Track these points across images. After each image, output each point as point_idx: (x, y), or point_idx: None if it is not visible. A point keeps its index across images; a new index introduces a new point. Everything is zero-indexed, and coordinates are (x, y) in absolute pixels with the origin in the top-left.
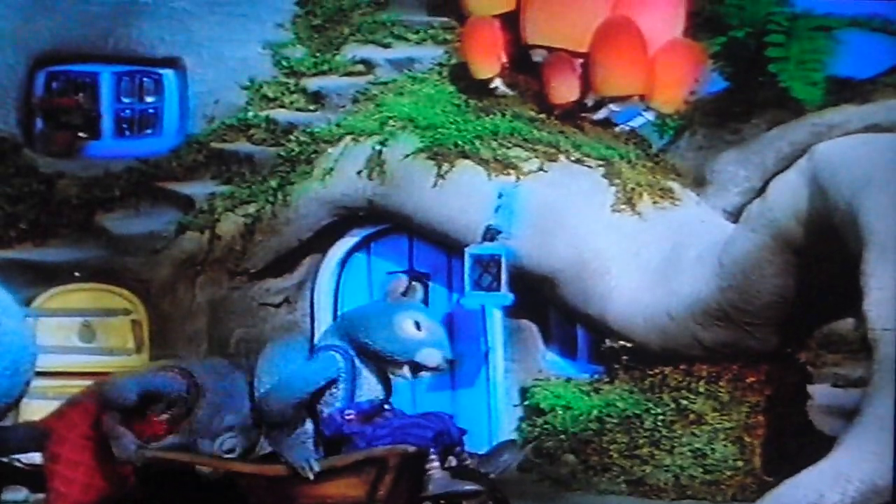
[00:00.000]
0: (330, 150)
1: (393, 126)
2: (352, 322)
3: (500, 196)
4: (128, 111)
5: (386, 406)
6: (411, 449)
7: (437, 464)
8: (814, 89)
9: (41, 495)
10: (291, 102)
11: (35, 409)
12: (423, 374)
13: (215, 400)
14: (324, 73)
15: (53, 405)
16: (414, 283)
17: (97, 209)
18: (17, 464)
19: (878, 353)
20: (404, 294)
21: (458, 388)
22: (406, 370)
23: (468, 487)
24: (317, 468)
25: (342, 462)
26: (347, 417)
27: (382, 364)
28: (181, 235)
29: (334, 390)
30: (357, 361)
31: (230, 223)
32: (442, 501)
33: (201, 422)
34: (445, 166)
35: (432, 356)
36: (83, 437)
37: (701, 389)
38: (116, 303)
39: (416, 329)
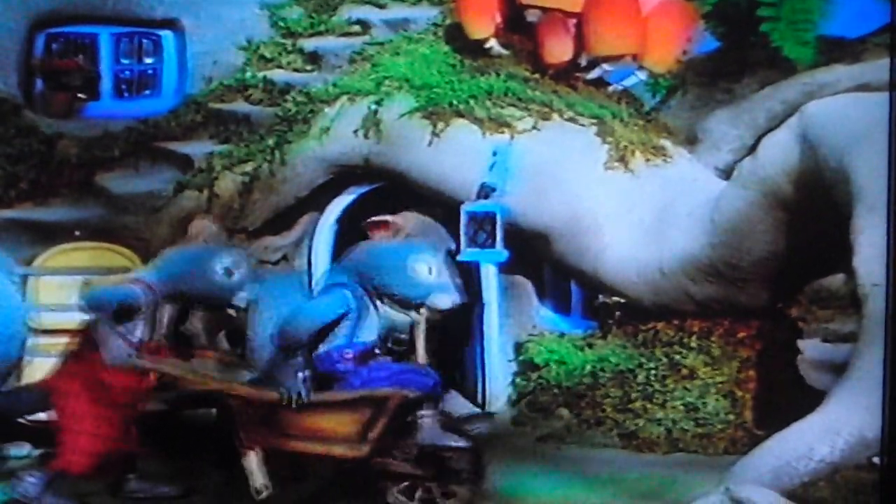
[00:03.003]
0: (326, 109)
1: (389, 86)
2: (363, 262)
3: (494, 154)
4: (127, 72)
5: (377, 350)
6: (413, 394)
7: (430, 412)
8: (805, 49)
9: (43, 450)
10: (288, 63)
11: (38, 367)
12: (434, 315)
13: (193, 265)
14: (320, 33)
15: (55, 362)
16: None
17: (97, 169)
18: (20, 420)
19: (867, 308)
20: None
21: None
22: (419, 312)
23: (457, 443)
24: (304, 399)
25: (340, 397)
26: (346, 356)
27: (394, 305)
28: (180, 194)
29: (336, 328)
30: (365, 302)
31: (228, 182)
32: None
33: (200, 285)
34: (440, 125)
35: (443, 300)
36: (84, 389)
37: (693, 344)
38: (116, 261)
39: (429, 273)
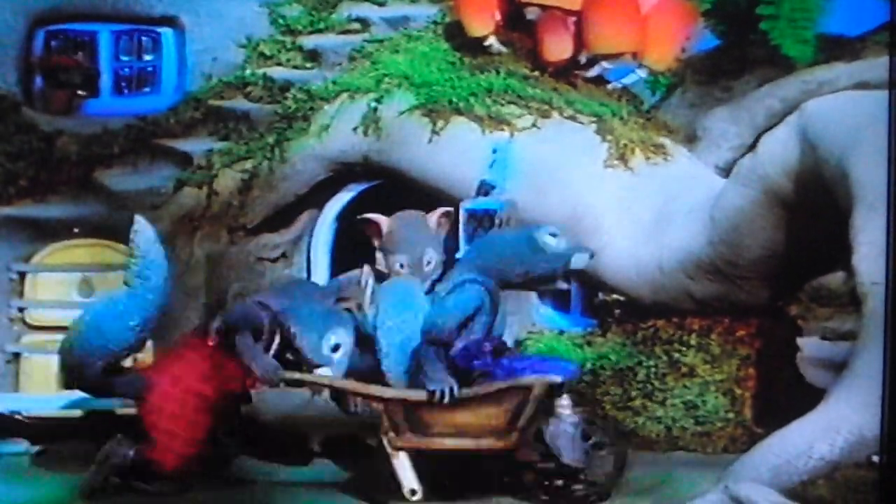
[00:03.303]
0: (326, 107)
1: (388, 83)
2: (491, 258)
3: (494, 152)
4: (126, 69)
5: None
6: (558, 379)
7: (568, 402)
8: (804, 47)
9: (39, 447)
10: (288, 60)
11: (34, 364)
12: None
13: (312, 323)
14: (320, 31)
15: (53, 359)
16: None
17: (96, 166)
18: (18, 417)
19: (866, 306)
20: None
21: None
22: (561, 282)
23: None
24: (455, 394)
25: (487, 390)
26: (484, 350)
27: (538, 285)
28: (179, 191)
29: (470, 324)
30: (496, 295)
31: (228, 179)
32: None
33: (306, 346)
34: (440, 123)
35: (583, 259)
36: (186, 392)
37: (692, 342)
38: (115, 258)
39: (557, 241)
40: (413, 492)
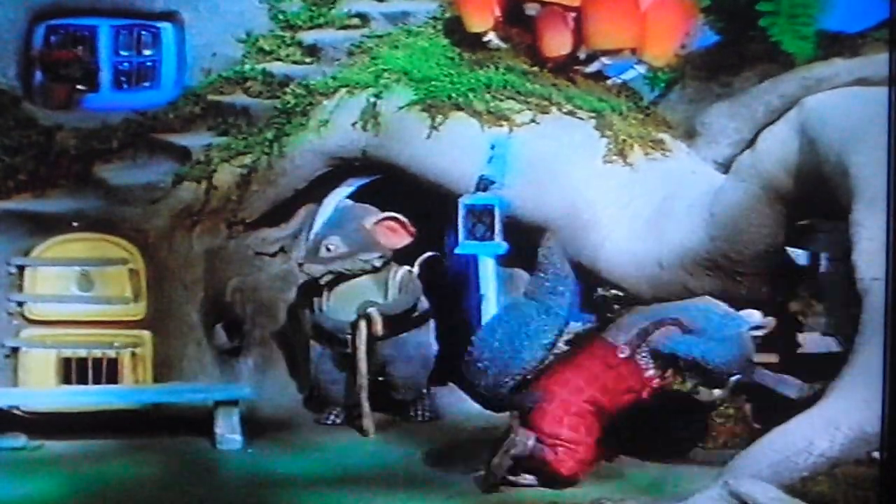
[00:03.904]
0: (325, 102)
1: (387, 79)
2: None
3: (493, 147)
4: (126, 64)
5: None
6: None
7: None
8: (804, 43)
9: (38, 442)
10: (287, 55)
11: (33, 358)
12: None
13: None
14: (319, 26)
15: (52, 353)
16: None
17: (95, 160)
18: (16, 411)
19: (866, 302)
20: None
21: (450, 335)
22: None
23: None
24: None
25: None
26: None
27: None
28: (178, 186)
29: None
30: None
31: (226, 174)
32: None
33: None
34: (439, 118)
35: None
36: (587, 402)
37: None
38: (114, 252)
39: None
40: None
